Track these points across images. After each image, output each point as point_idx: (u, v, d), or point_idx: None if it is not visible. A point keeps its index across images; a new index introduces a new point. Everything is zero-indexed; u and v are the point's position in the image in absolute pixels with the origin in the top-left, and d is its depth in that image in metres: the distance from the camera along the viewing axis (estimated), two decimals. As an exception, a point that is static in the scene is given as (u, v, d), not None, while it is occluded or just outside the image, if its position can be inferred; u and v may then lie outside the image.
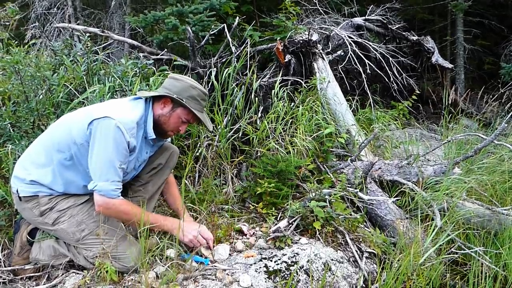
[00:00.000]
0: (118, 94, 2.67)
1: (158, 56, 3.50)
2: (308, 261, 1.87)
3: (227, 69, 3.07)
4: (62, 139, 1.75)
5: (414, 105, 4.53)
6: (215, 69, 3.20)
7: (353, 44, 4.34)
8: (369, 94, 4.04)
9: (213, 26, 3.63)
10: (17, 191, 1.78)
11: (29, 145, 1.92)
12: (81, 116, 1.77)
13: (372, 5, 5.55)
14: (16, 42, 2.58)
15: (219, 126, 2.84)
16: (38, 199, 1.77)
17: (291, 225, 2.13)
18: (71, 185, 1.81)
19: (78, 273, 1.85)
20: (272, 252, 1.94)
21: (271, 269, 1.81)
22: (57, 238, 1.89)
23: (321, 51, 3.73)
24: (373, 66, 4.37)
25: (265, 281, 1.74)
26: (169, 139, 2.21)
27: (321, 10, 5.44)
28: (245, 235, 2.16)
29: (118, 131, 1.68)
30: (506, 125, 2.55)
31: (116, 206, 1.72)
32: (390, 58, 4.66)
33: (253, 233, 2.19)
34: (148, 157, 2.00)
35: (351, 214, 2.32)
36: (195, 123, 1.97)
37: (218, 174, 2.82)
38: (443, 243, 1.89)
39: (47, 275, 1.88)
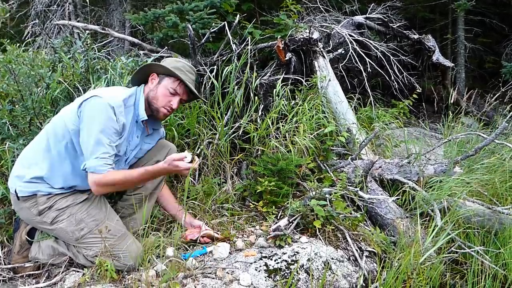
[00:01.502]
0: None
1: (159, 54, 3.49)
2: (308, 260, 1.87)
3: (227, 67, 3.06)
4: (58, 129, 1.76)
5: (415, 104, 4.52)
6: (215, 67, 3.20)
7: (354, 43, 4.32)
8: (370, 93, 4.03)
9: (213, 24, 3.62)
10: (15, 191, 1.78)
11: (28, 144, 1.91)
12: (73, 103, 1.81)
13: (373, 4, 5.53)
14: (16, 40, 2.57)
15: (219, 124, 2.84)
16: (36, 198, 1.77)
17: (291, 223, 2.13)
18: (69, 176, 1.79)
19: (78, 271, 1.85)
20: (272, 251, 1.94)
21: (271, 267, 1.81)
22: (56, 238, 1.89)
23: (321, 49, 3.72)
24: (374, 65, 4.36)
25: (265, 280, 1.74)
26: (165, 140, 2.19)
27: (322, 8, 5.42)
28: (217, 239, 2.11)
29: (105, 107, 1.69)
30: (506, 124, 2.54)
31: (103, 180, 1.69)
32: (391, 57, 4.64)
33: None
34: (141, 145, 1.98)
35: (351, 213, 2.32)
36: (185, 96, 1.93)
37: (218, 172, 2.81)
38: (443, 242, 1.89)
39: (47, 273, 1.88)
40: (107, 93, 1.76)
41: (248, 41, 3.27)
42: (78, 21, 5.64)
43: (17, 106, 2.36)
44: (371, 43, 4.59)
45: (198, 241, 2.02)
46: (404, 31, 5.22)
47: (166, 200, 2.20)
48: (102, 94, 1.73)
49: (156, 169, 1.76)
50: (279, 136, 2.85)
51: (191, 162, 1.72)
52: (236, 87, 3.04)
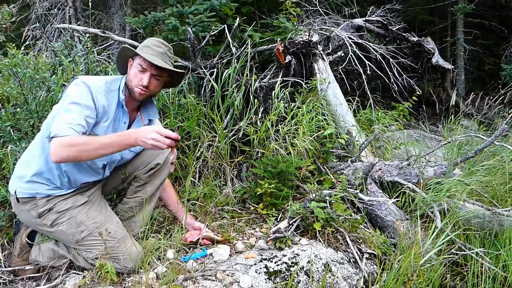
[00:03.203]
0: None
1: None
2: (308, 262, 1.87)
3: (227, 70, 3.07)
4: (49, 124, 1.75)
5: (415, 106, 4.53)
6: (215, 70, 3.21)
7: (354, 45, 4.34)
8: (369, 95, 4.04)
9: (213, 27, 3.63)
10: (15, 192, 1.78)
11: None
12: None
13: (372, 6, 5.55)
14: (16, 43, 2.58)
15: (219, 127, 2.84)
16: (35, 201, 1.77)
17: (291, 226, 2.13)
18: (64, 168, 1.78)
19: (78, 274, 1.85)
20: (272, 253, 1.94)
21: (271, 270, 1.81)
22: (57, 241, 1.89)
23: (321, 52, 3.73)
24: (374, 67, 4.37)
25: (265, 282, 1.74)
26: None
27: (321, 11, 5.44)
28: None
29: (79, 85, 1.71)
30: (506, 126, 2.54)
31: (66, 140, 1.55)
32: (391, 59, 4.66)
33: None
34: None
35: (351, 215, 2.32)
36: (154, 71, 1.83)
37: (219, 174, 2.82)
38: (443, 244, 1.89)
39: (47, 276, 1.89)
40: (88, 77, 1.80)
41: (248, 44, 3.28)
42: (78, 25, 5.66)
43: (18, 109, 2.37)
44: (370, 46, 4.61)
45: (198, 243, 2.03)
46: (404, 34, 5.24)
47: (169, 198, 2.21)
48: (82, 77, 1.77)
49: (127, 132, 1.63)
50: (279, 139, 2.86)
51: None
52: (236, 90, 3.05)
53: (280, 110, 2.97)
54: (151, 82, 1.85)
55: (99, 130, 1.79)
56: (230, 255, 1.96)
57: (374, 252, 2.10)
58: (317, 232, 2.11)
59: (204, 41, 3.41)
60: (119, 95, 1.85)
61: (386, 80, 4.56)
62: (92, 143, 1.58)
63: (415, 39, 5.19)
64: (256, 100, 3.08)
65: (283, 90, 3.18)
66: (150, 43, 1.88)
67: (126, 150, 1.91)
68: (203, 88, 3.16)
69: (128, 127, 1.93)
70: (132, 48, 1.89)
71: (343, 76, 4.10)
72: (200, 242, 2.02)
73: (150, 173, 2.03)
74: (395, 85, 4.55)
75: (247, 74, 3.09)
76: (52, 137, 1.58)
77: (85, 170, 1.85)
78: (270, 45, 3.71)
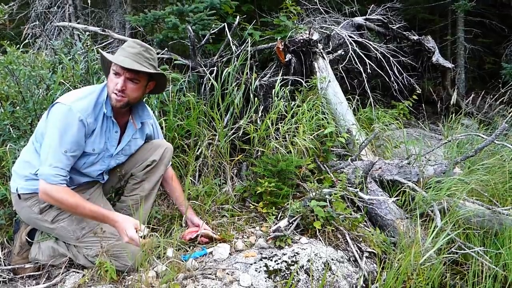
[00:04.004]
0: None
1: (159, 55, 3.49)
2: (308, 261, 1.87)
3: (227, 68, 3.07)
4: (39, 130, 1.78)
5: (415, 105, 4.53)
6: (215, 68, 3.20)
7: (354, 44, 4.33)
8: (370, 94, 4.04)
9: (213, 25, 3.62)
10: (16, 189, 1.78)
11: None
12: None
13: (372, 5, 5.54)
14: (16, 42, 2.57)
15: (219, 125, 2.84)
16: (37, 197, 1.76)
17: (291, 224, 2.13)
18: None
19: (78, 272, 1.85)
20: (272, 252, 1.94)
21: (271, 268, 1.81)
22: (57, 239, 1.89)
23: (321, 50, 3.72)
24: (374, 66, 4.36)
25: (265, 281, 1.74)
26: (160, 140, 2.18)
27: (321, 10, 5.42)
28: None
29: (66, 115, 1.67)
30: (506, 125, 2.54)
31: (54, 193, 1.66)
32: (391, 58, 4.65)
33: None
34: (127, 140, 1.93)
35: (351, 214, 2.32)
36: (127, 74, 1.74)
37: (219, 173, 2.82)
38: (443, 243, 1.89)
39: (47, 274, 1.88)
40: (72, 98, 1.72)
41: (248, 42, 3.28)
42: (78, 23, 5.65)
43: (17, 107, 2.36)
44: (371, 44, 4.60)
45: (196, 240, 2.03)
46: (404, 32, 5.23)
47: (172, 191, 2.22)
48: (67, 100, 1.70)
49: (108, 216, 1.72)
50: (279, 137, 2.86)
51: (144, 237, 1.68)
52: (236, 88, 3.04)
53: (280, 109, 2.97)
54: (127, 86, 1.75)
55: (88, 146, 1.78)
56: (230, 253, 1.96)
57: (374, 251, 2.10)
58: (317, 231, 2.11)
59: (204, 40, 3.41)
60: (104, 107, 1.78)
61: (386, 78, 4.55)
62: (81, 209, 1.70)
63: (416, 37, 5.18)
64: (256, 98, 3.07)
65: (283, 89, 3.18)
66: (125, 45, 1.81)
67: (121, 155, 1.96)
68: (203, 86, 3.16)
69: (121, 135, 1.92)
70: (105, 54, 1.81)
71: (343, 74, 4.09)
72: (199, 240, 2.03)
73: (147, 170, 2.03)
74: (395, 83, 4.55)
75: (247, 72, 3.09)
76: (40, 177, 1.67)
77: (82, 177, 1.87)
78: (270, 44, 3.70)
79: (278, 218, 2.35)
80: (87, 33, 3.01)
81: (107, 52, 2.09)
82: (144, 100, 2.07)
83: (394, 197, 2.43)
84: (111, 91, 1.76)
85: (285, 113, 3.01)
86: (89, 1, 5.21)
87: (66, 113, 1.68)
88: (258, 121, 3.04)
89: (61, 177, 1.67)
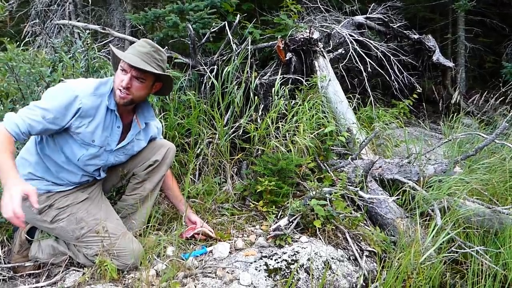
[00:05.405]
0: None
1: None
2: (308, 260, 1.87)
3: (227, 67, 3.06)
4: None
5: (415, 104, 4.53)
6: (215, 67, 3.20)
7: (354, 43, 4.32)
8: (370, 93, 4.04)
9: (214, 24, 3.62)
10: None
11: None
12: None
13: (373, 4, 5.53)
14: (16, 39, 2.57)
15: (219, 124, 2.84)
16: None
17: (291, 223, 2.13)
18: (59, 176, 1.80)
19: (78, 271, 1.85)
20: (272, 251, 1.94)
21: (271, 267, 1.81)
22: (57, 237, 1.88)
23: (322, 49, 3.72)
24: (374, 65, 4.36)
25: (265, 279, 1.74)
26: (163, 140, 2.17)
27: (322, 8, 5.42)
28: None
29: (64, 87, 1.68)
30: (507, 124, 2.54)
31: None
32: (391, 57, 4.64)
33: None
34: (130, 139, 1.92)
35: (351, 213, 2.32)
36: (134, 72, 1.73)
37: (219, 172, 2.81)
38: (443, 242, 1.89)
39: (47, 273, 1.88)
40: (75, 80, 1.76)
41: (248, 41, 3.27)
42: (78, 21, 5.64)
43: (17, 105, 2.36)
44: (371, 43, 4.60)
45: (194, 237, 2.04)
46: (405, 31, 5.22)
47: (168, 189, 2.19)
48: (68, 81, 1.74)
49: (3, 171, 1.47)
50: (279, 136, 2.85)
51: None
52: (236, 87, 3.04)
53: (280, 108, 2.97)
54: (133, 84, 1.74)
55: (85, 134, 1.74)
56: (230, 252, 1.96)
57: (374, 250, 2.10)
58: (317, 230, 2.11)
59: (205, 38, 3.40)
60: (107, 99, 1.77)
61: (387, 77, 4.55)
62: None
63: (416, 36, 5.17)
64: (256, 97, 3.07)
65: (283, 88, 3.17)
66: (136, 43, 1.81)
67: (122, 154, 1.93)
68: (203, 85, 3.16)
69: (124, 132, 1.89)
70: (114, 50, 1.81)
71: (344, 73, 4.09)
72: (196, 237, 2.03)
73: (149, 170, 2.02)
74: (395, 82, 4.55)
75: (247, 71, 3.08)
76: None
77: (78, 175, 1.85)
78: (271, 42, 3.70)
79: (278, 217, 2.35)
80: (87, 31, 3.01)
81: (106, 49, 2.08)
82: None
83: (395, 196, 2.43)
84: (116, 87, 1.75)
85: (285, 112, 3.01)
86: (89, -1, 5.21)
87: (63, 86, 1.70)
88: (258, 120, 3.04)
89: (18, 130, 1.56)
